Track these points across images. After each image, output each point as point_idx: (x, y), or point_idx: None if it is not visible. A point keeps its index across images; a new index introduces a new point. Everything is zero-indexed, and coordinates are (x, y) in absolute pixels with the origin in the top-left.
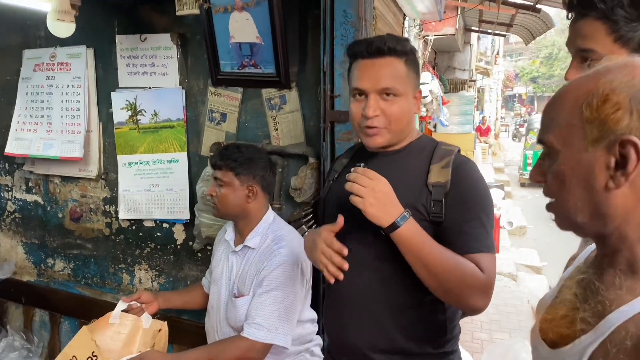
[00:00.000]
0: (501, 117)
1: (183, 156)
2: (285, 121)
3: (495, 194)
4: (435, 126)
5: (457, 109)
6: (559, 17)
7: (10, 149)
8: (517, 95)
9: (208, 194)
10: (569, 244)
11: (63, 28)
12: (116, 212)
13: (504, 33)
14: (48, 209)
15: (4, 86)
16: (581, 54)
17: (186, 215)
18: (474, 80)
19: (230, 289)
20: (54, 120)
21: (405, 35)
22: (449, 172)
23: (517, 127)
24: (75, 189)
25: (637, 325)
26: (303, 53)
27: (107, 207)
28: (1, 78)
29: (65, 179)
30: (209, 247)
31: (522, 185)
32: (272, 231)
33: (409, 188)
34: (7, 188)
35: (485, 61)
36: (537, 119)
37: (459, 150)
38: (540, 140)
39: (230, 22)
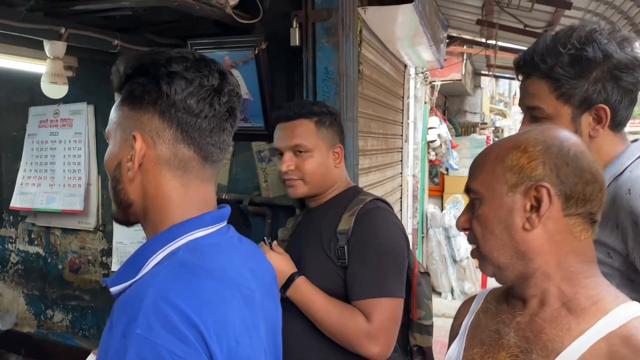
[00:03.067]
0: None
1: None
2: (274, 173)
3: None
4: (447, 169)
5: (468, 152)
6: None
7: (16, 203)
8: None
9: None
10: None
11: (56, 90)
12: (112, 264)
13: (512, 76)
14: (49, 260)
15: (10, 141)
16: (530, 112)
17: None
18: (486, 123)
19: None
20: (56, 174)
21: (410, 82)
22: (352, 220)
23: None
24: (74, 240)
25: (593, 356)
26: None
27: (104, 258)
28: (8, 134)
29: (65, 231)
30: None
31: None
32: None
33: (325, 237)
34: (11, 240)
35: (504, 102)
36: None
37: (376, 199)
38: (467, 189)
39: None
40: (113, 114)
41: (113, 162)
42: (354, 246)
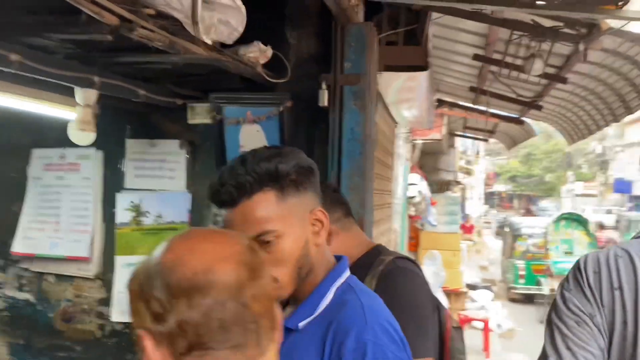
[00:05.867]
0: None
1: None
2: None
3: (484, 296)
4: (422, 225)
5: (443, 208)
6: (540, 125)
7: (19, 248)
8: (496, 192)
9: None
10: None
11: (84, 137)
12: (112, 314)
13: (487, 138)
14: (38, 307)
15: (8, 183)
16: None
17: None
18: (459, 182)
19: None
20: (61, 219)
21: (397, 140)
22: (374, 283)
23: (501, 225)
24: (69, 288)
25: None
26: None
27: (101, 308)
28: (6, 175)
29: (60, 277)
30: None
31: (513, 301)
32: None
33: None
34: None
35: (466, 160)
36: (524, 224)
37: (398, 257)
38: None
39: (241, 133)
40: (276, 210)
41: (299, 246)
42: None
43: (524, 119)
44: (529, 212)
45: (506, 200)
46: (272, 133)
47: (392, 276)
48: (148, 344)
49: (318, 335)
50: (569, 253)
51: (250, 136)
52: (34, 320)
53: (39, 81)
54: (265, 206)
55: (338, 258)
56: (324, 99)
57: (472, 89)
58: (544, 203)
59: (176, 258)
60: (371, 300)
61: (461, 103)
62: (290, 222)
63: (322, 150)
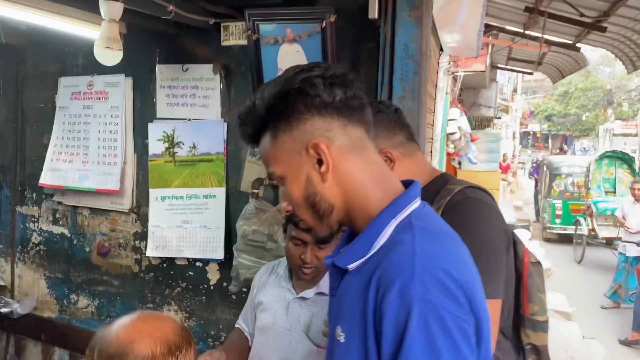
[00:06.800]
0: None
1: (220, 192)
2: None
3: (523, 235)
4: (460, 163)
5: (483, 146)
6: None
7: (45, 179)
8: (531, 132)
9: (310, 261)
10: (595, 288)
11: (111, 56)
12: (146, 249)
13: (531, 71)
14: (75, 242)
15: (36, 114)
16: None
17: (220, 255)
18: (500, 118)
19: (307, 340)
20: (90, 150)
21: (440, 70)
22: (439, 215)
23: (534, 164)
24: (104, 222)
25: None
26: None
27: (137, 242)
28: (34, 105)
29: (94, 211)
30: (244, 290)
31: (548, 241)
32: None
33: None
34: (33, 219)
35: (501, 98)
36: (563, 163)
37: (467, 187)
38: None
39: (279, 54)
40: (271, 152)
41: (302, 184)
42: None
43: (579, 45)
44: (562, 153)
45: (540, 140)
46: (314, 53)
47: (460, 207)
48: None
49: (365, 281)
50: (610, 192)
51: (290, 57)
52: (70, 255)
53: None
54: (263, 147)
55: (408, 184)
56: (373, 10)
57: (527, 9)
58: (581, 142)
59: (111, 331)
60: (432, 242)
61: (509, 28)
62: (285, 161)
63: (368, 70)
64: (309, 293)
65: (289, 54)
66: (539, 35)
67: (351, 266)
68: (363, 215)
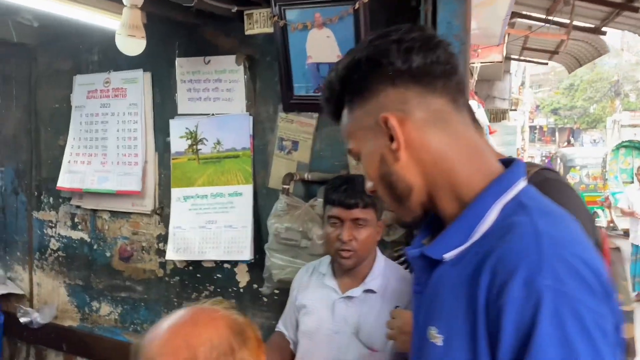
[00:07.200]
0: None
1: (247, 189)
2: None
3: None
4: None
5: (500, 139)
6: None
7: (63, 183)
8: (537, 126)
9: (347, 239)
10: None
11: (134, 44)
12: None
13: (546, 61)
14: (95, 247)
15: (51, 114)
16: None
17: (246, 256)
18: (515, 109)
19: (358, 342)
20: (109, 151)
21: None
22: None
23: (544, 159)
24: (126, 225)
25: None
26: None
27: (161, 245)
28: (49, 106)
29: (115, 214)
30: (276, 292)
31: None
32: (391, 272)
33: None
34: (50, 224)
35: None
36: (577, 154)
37: (543, 169)
38: None
39: (308, 41)
40: (348, 128)
41: (376, 163)
42: None
43: (605, 29)
44: (570, 146)
45: (547, 133)
46: (346, 37)
47: (545, 189)
48: None
49: (470, 272)
50: (628, 183)
51: (320, 44)
52: (91, 260)
53: None
54: (342, 123)
55: (507, 163)
56: None
57: None
58: (590, 135)
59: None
60: (556, 224)
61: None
62: (360, 137)
63: None
64: (356, 291)
65: (318, 40)
66: (563, 20)
67: (447, 256)
68: (451, 197)
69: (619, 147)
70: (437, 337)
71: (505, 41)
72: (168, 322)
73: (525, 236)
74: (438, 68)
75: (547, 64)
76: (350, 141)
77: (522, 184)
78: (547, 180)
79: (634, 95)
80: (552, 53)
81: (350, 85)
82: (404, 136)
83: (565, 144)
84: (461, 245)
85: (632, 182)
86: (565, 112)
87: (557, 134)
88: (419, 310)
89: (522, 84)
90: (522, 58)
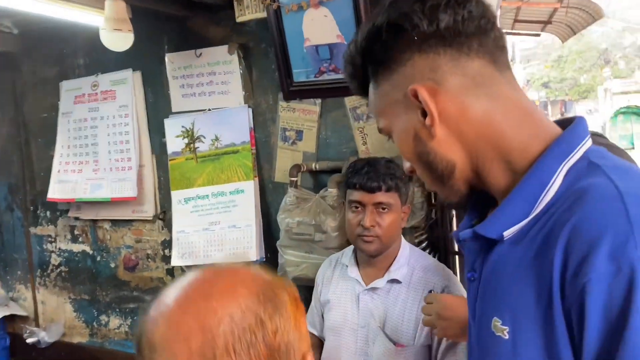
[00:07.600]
0: None
1: (249, 185)
2: (375, 132)
3: None
4: None
5: None
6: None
7: (54, 194)
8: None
9: (369, 225)
10: None
11: (121, 39)
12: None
13: (538, 32)
14: (98, 258)
15: (40, 125)
16: None
17: (253, 256)
18: None
19: (384, 337)
20: (100, 157)
21: None
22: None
23: None
24: (128, 233)
25: None
26: None
27: (166, 251)
28: (37, 115)
29: (116, 223)
30: None
31: None
32: (416, 260)
33: None
34: (49, 239)
35: None
36: None
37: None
38: None
39: (305, 22)
40: (375, 103)
41: (410, 142)
42: None
43: None
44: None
45: (540, 107)
46: (345, 15)
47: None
48: None
49: (536, 249)
50: (629, 149)
51: (317, 24)
52: (95, 273)
53: None
54: (369, 99)
55: (565, 123)
56: None
57: None
58: (581, 105)
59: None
60: (638, 183)
61: None
62: (389, 113)
63: None
64: (380, 282)
65: (316, 20)
66: None
67: (507, 233)
68: (503, 168)
69: (617, 114)
70: (503, 329)
71: (498, 15)
72: (175, 293)
73: (606, 199)
74: (471, 25)
75: (539, 35)
76: (379, 119)
77: (588, 142)
78: (605, 146)
79: (622, 62)
80: (546, 23)
81: (372, 57)
82: (438, 109)
83: (559, 116)
84: (524, 219)
85: (633, 147)
86: (555, 84)
87: (549, 107)
88: (476, 300)
89: (512, 59)
90: (513, 31)
